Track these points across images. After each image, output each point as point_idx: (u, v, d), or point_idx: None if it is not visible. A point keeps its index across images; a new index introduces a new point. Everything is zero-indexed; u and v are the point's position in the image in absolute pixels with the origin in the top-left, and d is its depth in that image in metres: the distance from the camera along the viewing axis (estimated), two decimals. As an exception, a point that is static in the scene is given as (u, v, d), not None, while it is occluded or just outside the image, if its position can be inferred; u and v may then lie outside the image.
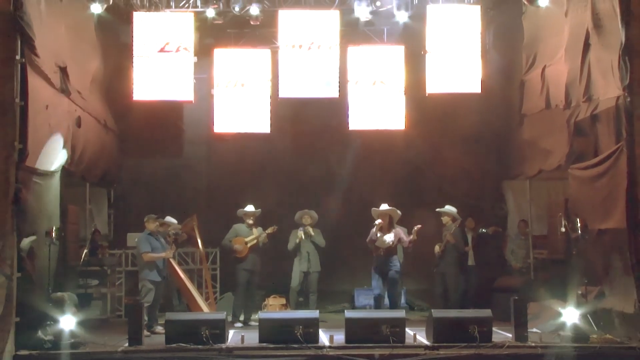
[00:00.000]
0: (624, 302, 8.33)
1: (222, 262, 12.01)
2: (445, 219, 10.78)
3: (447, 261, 10.68)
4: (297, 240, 10.94)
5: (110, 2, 10.63)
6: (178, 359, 7.94)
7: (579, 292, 8.76)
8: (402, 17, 11.72)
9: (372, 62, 12.01)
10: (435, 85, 11.62)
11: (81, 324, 8.32)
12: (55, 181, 9.43)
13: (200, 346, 8.02)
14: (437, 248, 10.74)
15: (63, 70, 9.52)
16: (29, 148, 8.13)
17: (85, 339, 8.28)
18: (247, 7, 11.39)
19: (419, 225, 10.22)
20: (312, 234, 10.89)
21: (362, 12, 11.49)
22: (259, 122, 11.95)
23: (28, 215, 8.18)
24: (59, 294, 8.84)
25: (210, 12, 11.55)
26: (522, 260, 11.77)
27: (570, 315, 8.43)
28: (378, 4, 11.50)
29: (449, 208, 10.83)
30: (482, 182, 13.19)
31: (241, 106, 11.95)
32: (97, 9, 10.59)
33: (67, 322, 8.12)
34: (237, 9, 11.30)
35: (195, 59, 11.58)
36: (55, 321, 8.16)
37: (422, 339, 8.59)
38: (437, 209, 10.85)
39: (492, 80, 11.99)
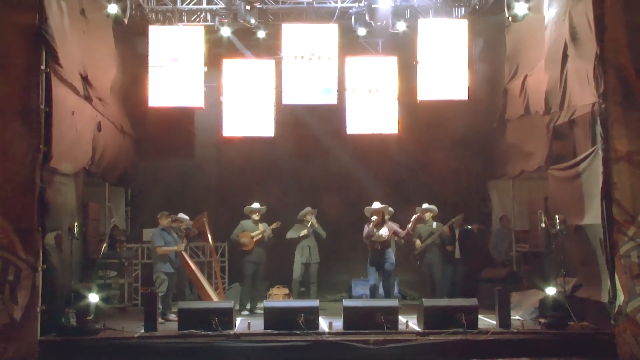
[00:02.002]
0: (598, 292, 8.33)
1: (230, 255, 12.01)
2: (427, 215, 10.72)
3: (434, 253, 10.64)
4: (301, 234, 10.94)
5: (127, 10, 10.53)
6: (190, 344, 7.95)
7: (558, 282, 8.76)
8: (401, 26, 11.72)
9: (368, 72, 12.02)
10: (425, 92, 11.62)
11: (101, 311, 8.35)
12: (78, 181, 9.43)
13: (210, 332, 8.04)
14: (418, 243, 10.63)
15: (85, 79, 9.53)
16: (54, 151, 8.12)
17: (104, 326, 8.30)
18: (256, 26, 11.63)
19: (417, 214, 10.32)
20: (316, 225, 10.90)
21: (361, 31, 11.85)
22: (264, 127, 11.96)
23: (52, 212, 8.17)
24: (81, 284, 8.85)
25: (226, 32, 11.58)
26: (504, 253, 11.78)
27: (551, 292, 8.54)
28: (379, 23, 11.54)
29: (429, 206, 10.73)
30: (469, 182, 13.20)
31: (248, 112, 11.96)
32: (113, 9, 10.24)
33: (94, 306, 8.19)
34: (252, 22, 11.43)
35: (205, 68, 11.60)
36: (78, 309, 8.16)
37: (414, 325, 8.59)
38: (418, 207, 10.63)
39: (478, 88, 12.00)
